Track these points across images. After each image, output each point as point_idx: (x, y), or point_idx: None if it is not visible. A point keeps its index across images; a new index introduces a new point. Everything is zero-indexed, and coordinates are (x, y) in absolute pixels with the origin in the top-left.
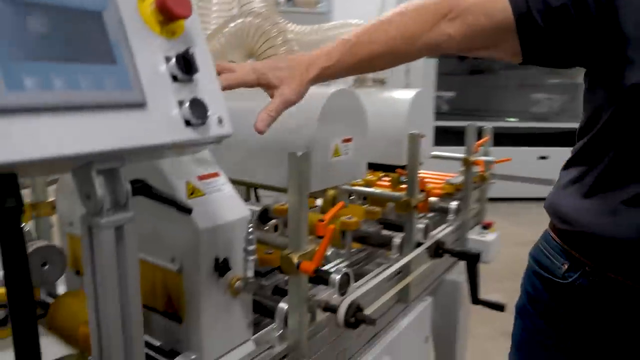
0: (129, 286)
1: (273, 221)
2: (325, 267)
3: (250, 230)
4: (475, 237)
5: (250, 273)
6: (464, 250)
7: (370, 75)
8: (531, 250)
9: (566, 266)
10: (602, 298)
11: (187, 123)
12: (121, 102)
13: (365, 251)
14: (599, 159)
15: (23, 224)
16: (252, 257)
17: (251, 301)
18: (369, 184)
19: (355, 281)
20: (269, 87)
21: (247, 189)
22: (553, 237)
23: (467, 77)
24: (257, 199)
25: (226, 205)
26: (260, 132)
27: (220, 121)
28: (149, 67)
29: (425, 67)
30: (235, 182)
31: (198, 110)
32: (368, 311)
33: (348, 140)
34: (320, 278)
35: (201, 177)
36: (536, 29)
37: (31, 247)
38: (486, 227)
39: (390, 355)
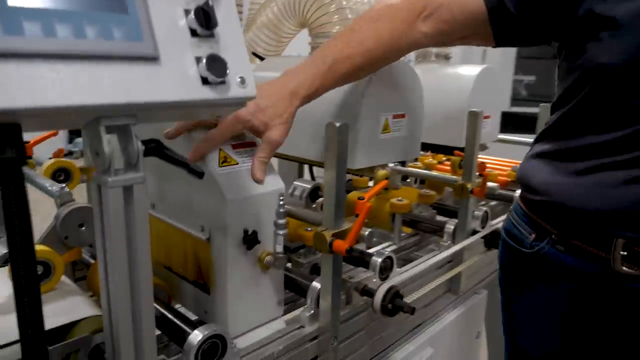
0: (137, 249)
1: (321, 199)
2: (371, 250)
3: (282, 203)
4: None
5: (279, 248)
6: None
7: (434, 49)
8: (504, 224)
9: (533, 236)
10: (567, 266)
11: (205, 81)
12: (131, 54)
13: (416, 236)
14: (570, 133)
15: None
16: (282, 232)
17: (282, 278)
18: (428, 167)
19: (401, 267)
20: (256, 133)
21: (300, 165)
22: (522, 207)
23: (551, 61)
24: (312, 177)
25: None
26: (260, 182)
27: (242, 82)
28: (165, 19)
29: (504, 49)
30: (282, 157)
31: (216, 68)
32: (410, 299)
33: (401, 116)
34: (362, 260)
35: (236, 146)
36: (509, 17)
37: (69, 207)
38: None
39: (434, 348)
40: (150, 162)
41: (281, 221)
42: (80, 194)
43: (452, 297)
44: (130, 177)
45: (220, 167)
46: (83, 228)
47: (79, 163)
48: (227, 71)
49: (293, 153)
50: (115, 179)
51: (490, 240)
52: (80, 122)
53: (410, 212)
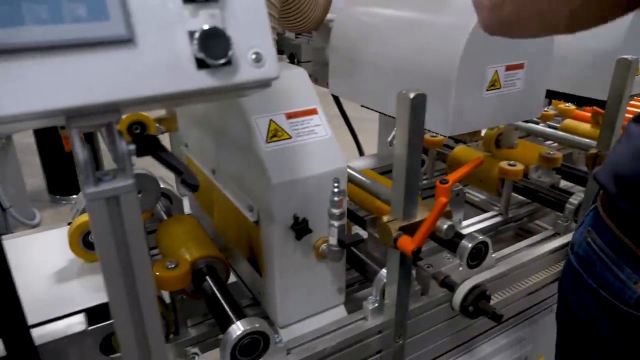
0: (134, 260)
1: None
2: (468, 221)
3: (336, 190)
4: None
5: (333, 241)
6: None
7: None
8: (575, 246)
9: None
10: None
11: (201, 64)
12: (93, 39)
13: (530, 205)
14: None
15: None
16: (337, 223)
17: (343, 264)
18: (563, 113)
19: (504, 246)
20: None
21: None
22: (615, 233)
23: None
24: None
25: (316, 153)
26: None
27: (257, 59)
28: None
29: None
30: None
31: (214, 46)
32: (508, 293)
33: (517, 67)
34: (445, 241)
35: (291, 115)
36: None
37: None
38: None
39: (533, 344)
40: (209, 125)
41: (336, 211)
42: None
43: None
44: (115, 187)
45: (269, 142)
46: (140, 195)
47: (154, 114)
48: (231, 48)
49: (378, 107)
50: (95, 191)
51: None
52: (37, 126)
53: (526, 178)
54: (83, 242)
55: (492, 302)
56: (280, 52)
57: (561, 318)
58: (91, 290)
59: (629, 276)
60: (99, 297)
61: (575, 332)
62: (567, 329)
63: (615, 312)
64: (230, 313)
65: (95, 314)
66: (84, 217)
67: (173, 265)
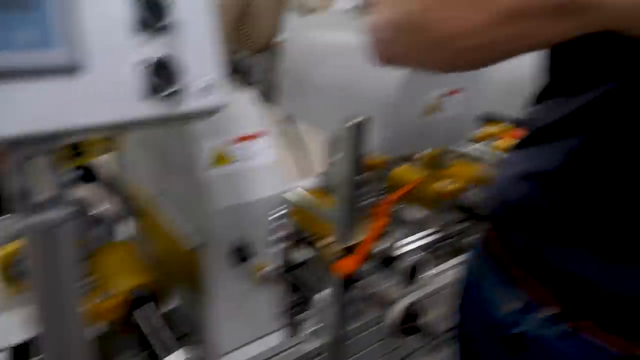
0: (68, 299)
1: None
2: (404, 241)
3: (277, 215)
4: None
5: (273, 265)
6: None
7: None
8: (465, 266)
9: (512, 305)
10: None
11: (149, 93)
12: (34, 67)
13: (466, 222)
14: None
15: None
16: (278, 247)
17: (284, 289)
18: (491, 137)
19: (435, 267)
20: None
21: None
22: (492, 251)
23: None
24: None
25: (259, 178)
26: None
27: (207, 88)
28: (96, 11)
29: None
30: None
31: (163, 74)
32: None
33: (455, 92)
34: (386, 259)
35: (235, 139)
36: None
37: None
38: None
39: None
40: (153, 148)
41: (276, 236)
42: None
43: None
44: (51, 217)
45: (213, 167)
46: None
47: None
48: (180, 77)
49: (324, 129)
50: (32, 221)
51: None
52: None
53: (461, 196)
54: (5, 274)
55: (427, 319)
56: (231, 71)
57: (457, 336)
58: (16, 326)
59: (501, 296)
60: (24, 334)
61: (465, 350)
62: (462, 347)
63: (488, 329)
64: (161, 348)
65: (20, 351)
66: (8, 248)
67: (105, 296)
